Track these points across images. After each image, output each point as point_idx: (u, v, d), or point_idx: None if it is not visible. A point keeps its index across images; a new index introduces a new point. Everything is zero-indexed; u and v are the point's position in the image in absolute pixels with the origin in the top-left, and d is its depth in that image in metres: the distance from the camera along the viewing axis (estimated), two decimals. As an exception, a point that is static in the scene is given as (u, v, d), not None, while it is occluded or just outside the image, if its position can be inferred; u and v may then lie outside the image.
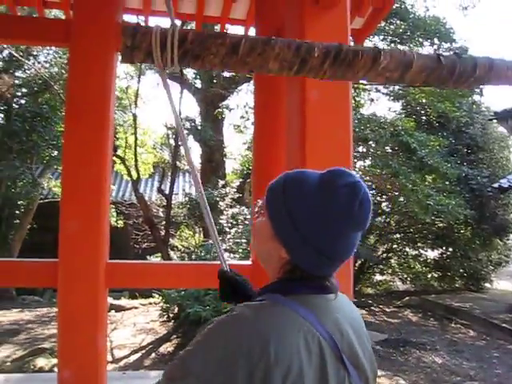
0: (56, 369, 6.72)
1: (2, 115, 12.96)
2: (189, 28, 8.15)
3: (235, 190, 9.03)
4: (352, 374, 0.98)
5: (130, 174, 10.47)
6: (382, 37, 10.64)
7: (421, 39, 10.72)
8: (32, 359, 7.47)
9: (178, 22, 4.55)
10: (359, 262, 11.05)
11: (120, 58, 1.25)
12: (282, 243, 1.03)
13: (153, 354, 7.68)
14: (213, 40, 1.18)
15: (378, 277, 13.07)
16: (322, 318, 0.98)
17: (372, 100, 11.15)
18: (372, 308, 10.60)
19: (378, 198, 10.78)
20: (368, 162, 10.01)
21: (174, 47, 1.16)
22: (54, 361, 7.23)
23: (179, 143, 10.47)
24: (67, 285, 2.72)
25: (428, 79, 1.30)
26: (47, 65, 11.61)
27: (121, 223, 10.58)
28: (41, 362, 7.37)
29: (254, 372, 0.87)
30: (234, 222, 8.34)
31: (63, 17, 4.23)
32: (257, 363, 0.87)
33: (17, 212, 13.11)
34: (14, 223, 13.11)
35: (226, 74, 10.78)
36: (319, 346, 0.94)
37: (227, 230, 8.00)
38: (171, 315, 8.44)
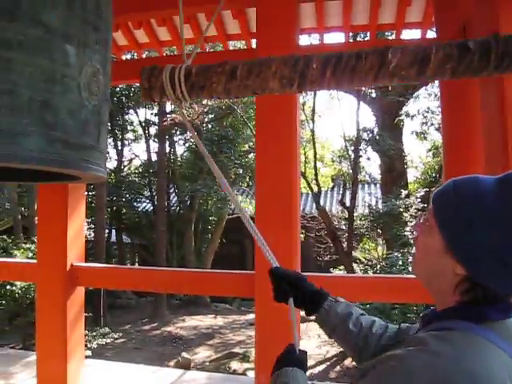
0: (248, 372, 7.21)
1: (193, 140, 14.48)
2: (360, 39, 8.10)
3: (419, 200, 8.58)
4: None
5: (310, 188, 10.75)
6: None
7: None
8: (227, 362, 8.10)
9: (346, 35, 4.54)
10: None
11: (141, 98, 1.38)
12: (457, 257, 0.89)
13: (338, 367, 7.68)
14: (214, 69, 1.22)
15: None
16: None
17: None
18: None
19: None
20: None
21: (182, 83, 1.23)
22: (246, 365, 7.73)
23: (359, 155, 10.41)
24: (264, 296, 2.86)
25: (457, 70, 1.10)
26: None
27: (303, 236, 10.87)
28: (234, 365, 7.94)
29: None
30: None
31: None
32: None
33: (209, 227, 14.47)
34: (206, 237, 14.48)
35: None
36: None
37: (412, 241, 7.65)
38: (356, 328, 8.33)
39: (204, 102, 13.21)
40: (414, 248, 1.09)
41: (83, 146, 1.25)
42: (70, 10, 1.23)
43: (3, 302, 8.31)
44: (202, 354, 9.00)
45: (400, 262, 7.06)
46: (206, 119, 13.84)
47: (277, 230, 2.80)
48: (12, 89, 1.08)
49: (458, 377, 0.77)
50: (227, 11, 3.53)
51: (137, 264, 16.86)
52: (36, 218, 4.09)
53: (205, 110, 12.64)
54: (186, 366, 7.65)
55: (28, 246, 9.36)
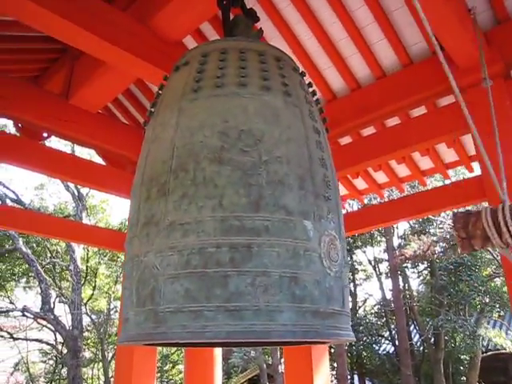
0: None
1: (425, 272, 13.81)
2: None
3: None
4: None
5: None
6: None
7: None
8: None
9: None
10: None
11: (459, 249, 1.28)
12: None
13: None
14: None
15: None
16: None
17: None
18: None
19: None
20: None
21: (509, 225, 1.09)
22: None
23: None
24: None
25: None
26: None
27: None
28: None
29: None
30: None
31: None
32: None
33: (461, 367, 12.87)
34: (459, 380, 12.85)
35: None
36: None
37: None
38: None
39: (431, 230, 12.71)
40: None
41: (331, 313, 1.28)
42: (303, 188, 1.36)
43: None
44: None
45: None
46: (438, 248, 13.19)
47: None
48: (265, 270, 1.21)
49: None
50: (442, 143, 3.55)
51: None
52: (280, 367, 4.24)
53: (434, 240, 12.13)
54: None
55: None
